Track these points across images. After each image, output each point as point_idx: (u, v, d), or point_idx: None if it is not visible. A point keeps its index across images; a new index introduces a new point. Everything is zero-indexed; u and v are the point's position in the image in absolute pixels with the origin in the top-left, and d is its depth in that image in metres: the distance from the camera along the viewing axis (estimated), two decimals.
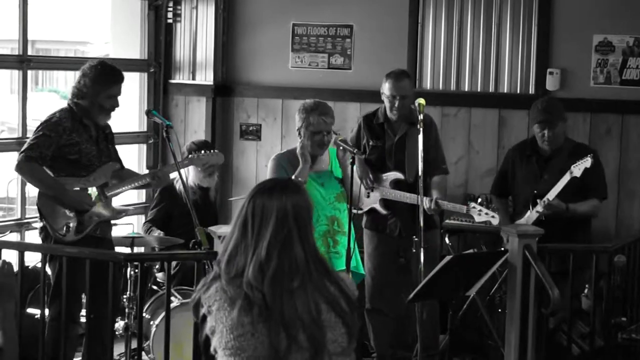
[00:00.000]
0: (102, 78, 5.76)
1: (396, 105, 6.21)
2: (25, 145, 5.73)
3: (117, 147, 6.15)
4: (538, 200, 5.94)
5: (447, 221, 6.96)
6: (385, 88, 6.25)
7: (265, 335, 3.02)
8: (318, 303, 3.07)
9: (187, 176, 6.45)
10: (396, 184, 6.23)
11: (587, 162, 5.90)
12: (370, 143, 6.35)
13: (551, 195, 5.90)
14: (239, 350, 3.01)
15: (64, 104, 5.93)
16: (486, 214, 5.96)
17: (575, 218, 6.02)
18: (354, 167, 5.52)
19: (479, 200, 6.12)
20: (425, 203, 5.86)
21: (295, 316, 3.03)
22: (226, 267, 3.12)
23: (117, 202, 6.83)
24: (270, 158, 5.95)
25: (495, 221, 5.98)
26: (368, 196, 6.26)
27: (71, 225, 5.73)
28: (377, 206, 6.28)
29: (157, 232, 6.70)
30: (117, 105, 5.87)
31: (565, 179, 5.90)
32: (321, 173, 5.82)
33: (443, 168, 6.35)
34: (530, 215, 5.99)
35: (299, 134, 5.79)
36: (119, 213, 5.98)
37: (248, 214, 3.13)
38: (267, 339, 3.01)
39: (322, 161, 5.84)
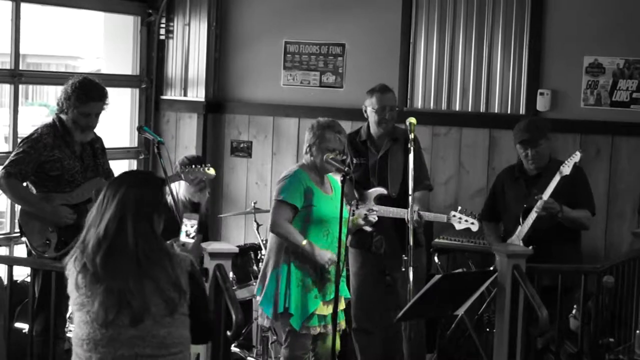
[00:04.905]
0: (76, 95, 5.71)
1: (387, 116, 6.22)
2: (7, 162, 5.73)
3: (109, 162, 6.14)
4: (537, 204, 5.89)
5: (436, 240, 6.96)
6: (373, 102, 6.25)
7: (97, 297, 3.66)
8: (142, 278, 3.68)
9: (178, 190, 6.43)
10: (380, 200, 6.16)
11: (576, 157, 5.89)
12: (354, 161, 6.32)
13: (545, 195, 5.86)
14: (81, 306, 3.71)
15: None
16: (465, 221, 5.97)
17: (566, 230, 6.01)
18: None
19: (459, 208, 6.10)
20: (407, 216, 5.86)
21: (122, 287, 3.65)
22: (82, 240, 3.77)
23: None
24: (287, 172, 5.72)
25: (474, 228, 5.98)
26: (353, 214, 6.20)
27: (51, 241, 5.71)
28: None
29: None
30: (92, 124, 5.79)
31: (556, 179, 5.89)
32: (332, 196, 5.73)
33: (426, 184, 6.33)
34: (521, 229, 5.97)
35: (309, 151, 5.71)
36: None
37: (102, 198, 3.79)
38: (97, 301, 3.66)
39: (326, 187, 5.75)
